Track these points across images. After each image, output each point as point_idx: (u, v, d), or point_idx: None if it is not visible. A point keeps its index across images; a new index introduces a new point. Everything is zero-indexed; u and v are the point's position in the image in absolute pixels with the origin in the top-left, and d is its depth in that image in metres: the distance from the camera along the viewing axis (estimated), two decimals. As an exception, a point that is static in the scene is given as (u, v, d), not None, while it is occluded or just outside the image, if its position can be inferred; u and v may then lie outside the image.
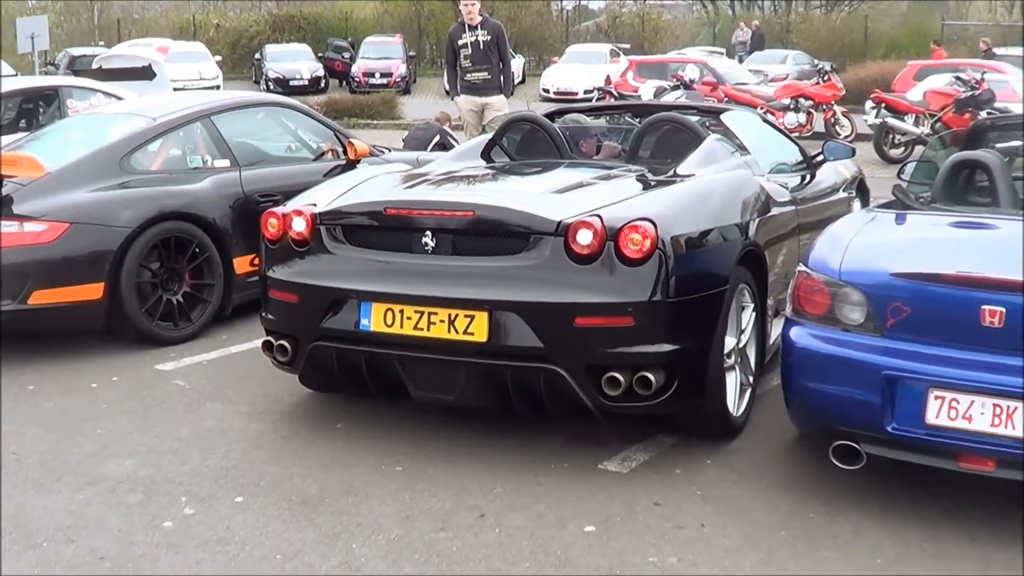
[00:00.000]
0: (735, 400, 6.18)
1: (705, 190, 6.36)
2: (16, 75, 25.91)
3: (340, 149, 10.11)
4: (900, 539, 5.03)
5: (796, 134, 21.96)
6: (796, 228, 7.33)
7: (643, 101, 12.17)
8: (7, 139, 11.49)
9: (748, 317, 6.36)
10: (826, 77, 24.46)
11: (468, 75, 14.17)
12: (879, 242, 5.58)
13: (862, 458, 5.19)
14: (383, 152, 10.68)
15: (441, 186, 6.62)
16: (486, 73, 14.15)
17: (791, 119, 22.67)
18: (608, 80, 30.07)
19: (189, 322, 8.49)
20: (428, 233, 5.84)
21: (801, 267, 5.55)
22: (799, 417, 5.64)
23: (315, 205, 6.32)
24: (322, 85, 42.11)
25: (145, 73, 18.43)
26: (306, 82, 41.46)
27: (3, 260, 7.75)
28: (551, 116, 8.84)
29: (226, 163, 9.18)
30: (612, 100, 24.05)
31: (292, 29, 51.72)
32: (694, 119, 8.11)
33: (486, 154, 8.04)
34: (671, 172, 6.76)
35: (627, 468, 5.85)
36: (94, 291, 7.98)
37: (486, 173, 7.26)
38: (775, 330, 6.84)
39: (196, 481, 5.74)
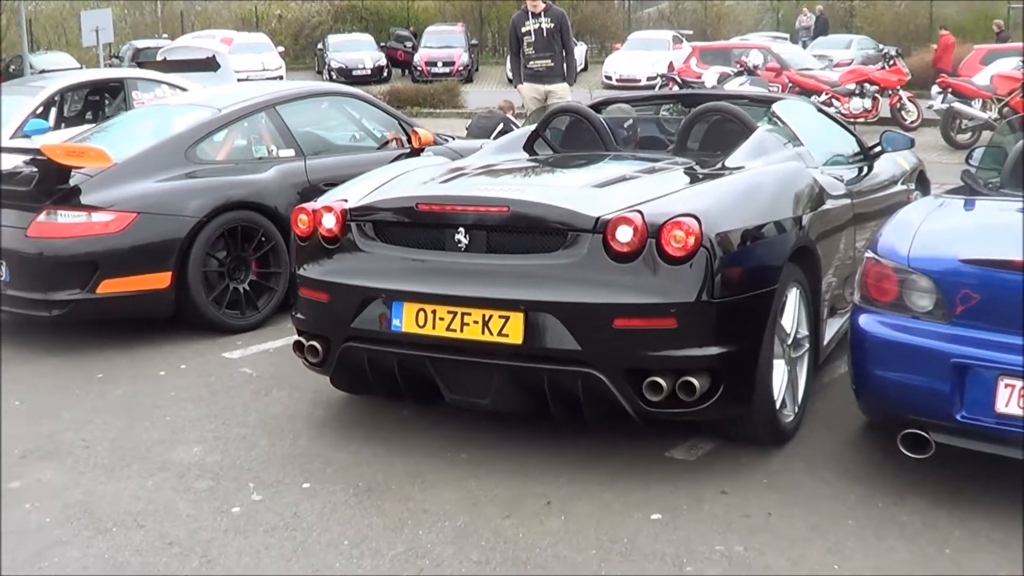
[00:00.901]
0: (786, 405, 5.91)
1: (754, 183, 6.04)
2: (81, 68, 26.16)
3: (404, 138, 10.15)
4: (968, 529, 4.98)
5: (861, 119, 21.89)
6: (852, 223, 7.02)
7: (692, 91, 12.56)
8: (73, 131, 11.63)
9: (800, 317, 6.06)
10: (891, 62, 24.26)
11: (531, 63, 14.16)
12: (948, 228, 5.51)
13: (931, 447, 5.14)
14: (447, 140, 10.70)
15: (477, 181, 6.40)
16: (549, 60, 14.13)
17: (856, 104, 22.50)
18: (671, 67, 29.98)
19: (256, 310, 8.56)
20: (461, 230, 5.61)
21: (869, 254, 5.49)
22: (867, 405, 5.59)
23: (346, 201, 6.12)
24: (384, 75, 42.32)
25: (209, 64, 18.55)
26: (368, 72, 41.66)
27: (72, 250, 7.87)
28: (597, 107, 8.55)
29: (291, 152, 9.23)
30: (674, 87, 23.95)
31: (354, 19, 52.00)
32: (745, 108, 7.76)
33: (529, 146, 7.79)
34: (719, 165, 6.48)
35: (694, 456, 5.82)
36: (162, 280, 8.06)
37: (526, 166, 7.07)
38: (830, 330, 6.67)
39: (263, 467, 5.79)
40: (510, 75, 16.45)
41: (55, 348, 8.08)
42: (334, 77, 39.90)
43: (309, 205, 6.23)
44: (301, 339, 6.16)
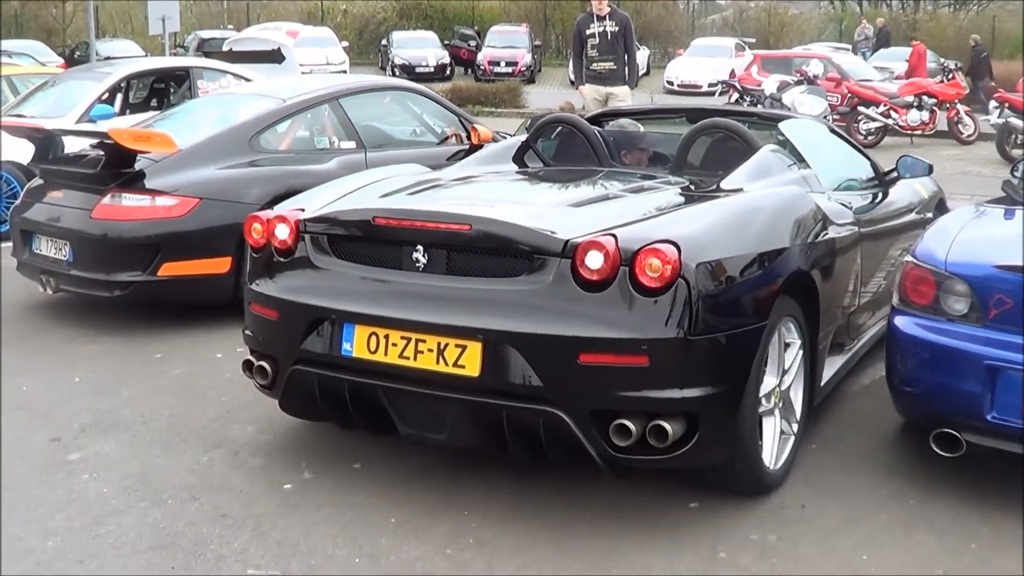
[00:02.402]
0: (772, 452, 5.42)
1: (748, 208, 5.56)
2: (146, 56, 26.44)
3: (464, 134, 10.30)
4: (996, 527, 5.08)
5: (919, 132, 21.88)
6: (858, 253, 6.48)
7: (697, 105, 11.64)
8: (138, 117, 11.85)
9: (794, 355, 5.58)
10: (950, 75, 24.25)
11: (594, 64, 14.26)
12: (985, 235, 5.63)
13: (962, 446, 5.24)
14: (506, 138, 10.83)
15: (446, 194, 5.98)
16: (612, 63, 14.22)
17: (914, 116, 22.48)
18: (732, 74, 30.03)
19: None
20: (420, 248, 5.14)
21: (909, 258, 5.59)
22: (902, 405, 5.70)
23: (303, 211, 5.68)
24: (447, 73, 42.51)
25: (274, 56, 18.78)
26: (431, 69, 41.88)
27: (135, 232, 8.09)
28: (598, 119, 8.13)
29: (352, 145, 9.41)
30: (735, 95, 23.96)
31: (419, 16, 52.24)
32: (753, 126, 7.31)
33: (519, 158, 7.36)
34: (714, 186, 6.05)
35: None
36: (222, 265, 8.25)
37: (505, 180, 6.68)
38: (829, 369, 6.17)
39: (316, 448, 5.94)
40: (572, 76, 16.59)
41: (115, 328, 8.27)
42: (397, 74, 40.10)
43: (264, 213, 5.79)
44: (251, 358, 5.70)
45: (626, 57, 14.39)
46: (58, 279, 8.41)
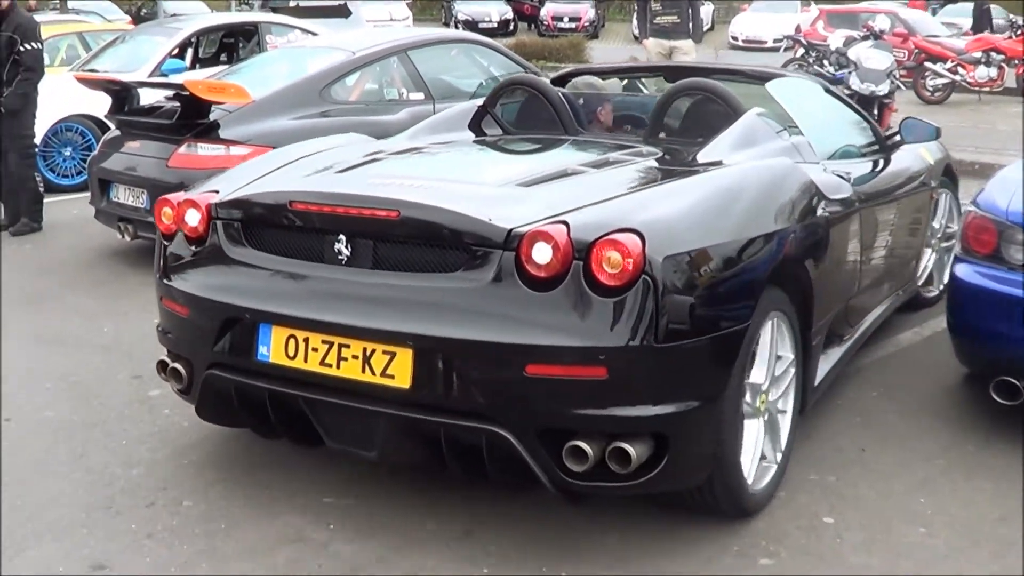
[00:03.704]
0: (753, 466, 4.71)
1: (728, 186, 4.76)
2: (212, 13, 26.61)
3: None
4: (1053, 473, 5.16)
5: (987, 88, 21.74)
6: (857, 232, 5.71)
7: (679, 62, 11.05)
8: (209, 71, 12.06)
9: (783, 354, 4.90)
10: (1019, 32, 24.06)
11: (658, 18, 14.27)
12: (1048, 186, 5.63)
13: (1021, 395, 5.29)
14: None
15: (378, 172, 5.24)
16: (676, 17, 14.20)
17: (982, 73, 22.30)
18: (798, 29, 29.83)
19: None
20: (342, 238, 4.44)
21: (971, 207, 5.63)
22: (962, 352, 5.76)
23: (216, 193, 4.99)
24: (511, 28, 42.52)
25: (341, 11, 18.93)
26: (495, 25, 41.86)
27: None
28: (564, 79, 7.30)
29: (421, 96, 9.55)
30: (799, 50, 23.84)
31: (482, -29, 52.11)
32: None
33: (475, 124, 6.60)
34: (691, 158, 5.30)
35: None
36: (294, 213, 8.36)
37: (452, 152, 5.97)
38: (825, 365, 5.50)
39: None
40: (636, 31, 16.58)
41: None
42: (460, 29, 40.16)
43: (174, 196, 5.08)
44: (165, 359, 5.04)
45: (690, 11, 14.36)
46: (135, 226, 8.64)
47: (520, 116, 6.70)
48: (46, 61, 11.29)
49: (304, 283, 4.52)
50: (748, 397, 4.58)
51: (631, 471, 4.04)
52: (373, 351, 4.25)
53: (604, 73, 7.67)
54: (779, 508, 4.80)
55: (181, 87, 8.53)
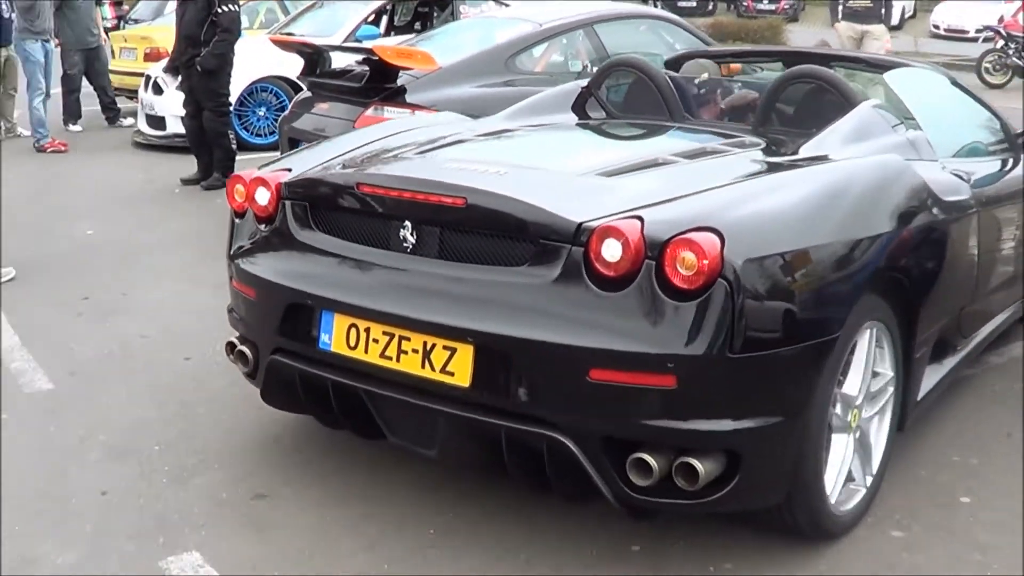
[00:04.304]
0: (838, 487, 4.35)
1: (829, 184, 4.32)
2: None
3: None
4: None
5: None
6: (974, 237, 5.20)
7: (797, 48, 10.16)
8: (401, 38, 12.34)
9: (881, 370, 4.53)
10: None
11: (850, 2, 14.09)
12: None
13: None
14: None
15: (457, 155, 4.93)
16: (868, 1, 14.07)
17: None
18: (1000, 20, 29.17)
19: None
20: (408, 225, 4.21)
21: None
22: None
23: (289, 172, 4.85)
24: (710, 8, 42.37)
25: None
26: (694, 3, 41.86)
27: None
28: (678, 62, 7.07)
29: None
30: (999, 42, 23.30)
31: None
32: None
33: (579, 106, 6.36)
34: (795, 151, 4.90)
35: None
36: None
37: (542, 136, 5.70)
38: (930, 380, 4.99)
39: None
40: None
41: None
42: (659, 5, 40.10)
43: (247, 173, 4.93)
44: (234, 340, 4.93)
45: (884, -6, 14.00)
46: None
47: (627, 99, 6.43)
48: (245, 23, 11.70)
49: (368, 271, 4.31)
50: (839, 410, 4.25)
51: (699, 488, 3.74)
52: (433, 346, 4.02)
53: (719, 57, 7.37)
54: (917, 486, 4.79)
55: (371, 52, 8.73)
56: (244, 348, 4.80)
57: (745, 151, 5.05)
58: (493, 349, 3.90)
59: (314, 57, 9.50)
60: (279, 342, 4.56)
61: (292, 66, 10.79)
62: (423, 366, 4.05)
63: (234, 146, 11.29)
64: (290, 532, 4.43)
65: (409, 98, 8.61)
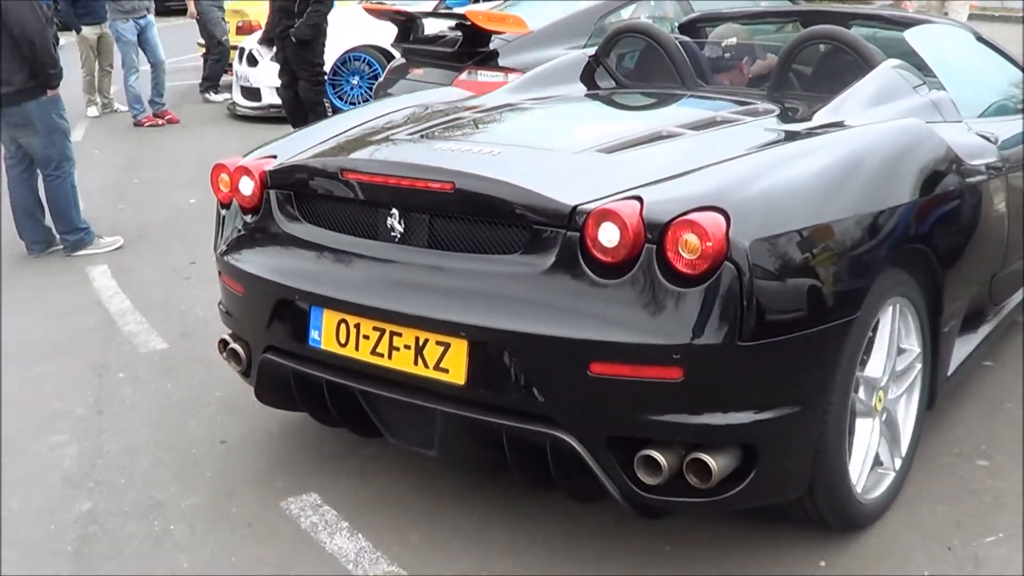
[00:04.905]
0: (864, 474, 4.10)
1: (843, 155, 3.95)
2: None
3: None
4: None
5: None
6: (1003, 201, 4.89)
7: (813, 6, 9.67)
8: (491, 4, 12.46)
9: (907, 346, 4.25)
10: None
11: None
12: None
13: None
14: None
15: (447, 136, 4.60)
16: None
17: None
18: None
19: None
20: (395, 213, 3.94)
21: None
22: None
23: (274, 159, 4.60)
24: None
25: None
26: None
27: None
28: (692, 25, 6.79)
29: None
30: None
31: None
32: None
33: (587, 76, 6.03)
34: (811, 117, 4.56)
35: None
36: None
37: (545, 111, 5.33)
38: (960, 352, 4.71)
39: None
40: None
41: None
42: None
43: (231, 161, 4.66)
44: (227, 338, 4.68)
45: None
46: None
47: (638, 68, 6.12)
48: (338, -6, 11.86)
49: (356, 263, 4.04)
50: (862, 394, 3.99)
51: (712, 486, 3.47)
52: (426, 341, 3.75)
53: (735, 18, 6.77)
54: (1004, 418, 4.90)
55: (463, 17, 8.90)
56: (236, 346, 4.55)
57: (757, 119, 4.70)
58: (488, 344, 3.63)
59: (407, 24, 9.75)
60: (270, 340, 4.31)
61: (385, 34, 11.02)
62: (416, 363, 3.78)
63: (329, 114, 11.51)
64: (393, 479, 4.62)
65: (501, 62, 8.77)
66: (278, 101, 12.40)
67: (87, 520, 4.37)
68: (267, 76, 13.20)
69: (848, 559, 3.94)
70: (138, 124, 14.20)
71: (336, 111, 12.33)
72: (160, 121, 14.29)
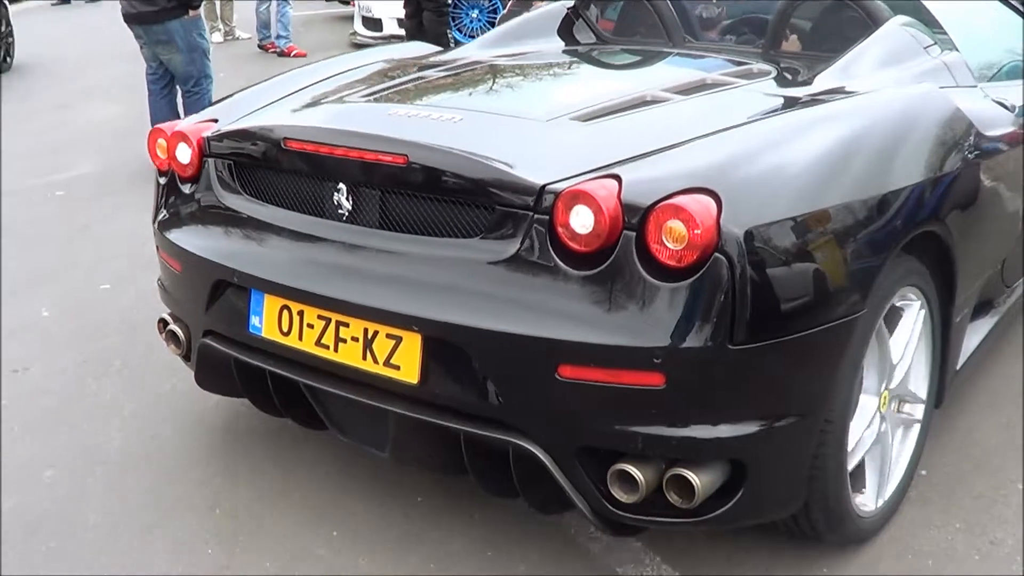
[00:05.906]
0: (875, 489, 3.78)
1: (852, 129, 3.42)
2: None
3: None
4: None
5: None
6: (1020, 171, 4.42)
7: None
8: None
9: (916, 337, 3.78)
10: None
11: None
12: None
13: None
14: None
15: (407, 99, 4.08)
16: None
17: None
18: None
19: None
20: (342, 188, 3.50)
21: None
22: None
23: (215, 123, 4.14)
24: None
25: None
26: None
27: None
28: None
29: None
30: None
31: None
32: None
33: (566, 30, 5.51)
34: (810, 82, 4.09)
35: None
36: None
37: (513, 70, 4.73)
38: (971, 340, 4.34)
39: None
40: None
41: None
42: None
43: (168, 126, 4.23)
44: (166, 318, 4.23)
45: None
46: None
47: (622, 21, 5.65)
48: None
49: (299, 243, 3.62)
50: (865, 397, 3.59)
51: (695, 506, 3.07)
52: (375, 334, 3.33)
53: None
54: (1005, 419, 4.65)
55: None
56: (176, 328, 4.12)
57: (751, 82, 4.21)
58: (444, 340, 3.20)
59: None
60: (209, 324, 3.92)
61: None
62: (364, 357, 3.36)
63: (452, 45, 11.76)
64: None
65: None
66: (399, 31, 12.60)
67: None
68: (389, 7, 13.41)
69: (848, 561, 3.74)
70: (263, 48, 14.54)
71: (457, 44, 12.57)
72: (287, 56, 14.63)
